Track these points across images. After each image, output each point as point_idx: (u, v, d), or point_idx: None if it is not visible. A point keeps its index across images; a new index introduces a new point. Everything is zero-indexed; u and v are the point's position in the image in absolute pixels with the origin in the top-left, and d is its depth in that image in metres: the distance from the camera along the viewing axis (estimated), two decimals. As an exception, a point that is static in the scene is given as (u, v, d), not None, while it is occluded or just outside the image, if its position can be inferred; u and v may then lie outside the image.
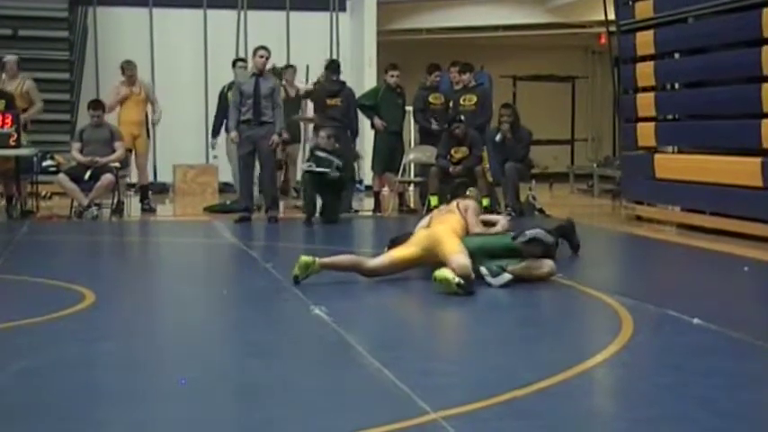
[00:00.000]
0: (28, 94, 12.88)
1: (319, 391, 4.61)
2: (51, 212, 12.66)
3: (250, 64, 12.63)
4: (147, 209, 13.38)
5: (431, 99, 13.33)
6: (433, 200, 12.30)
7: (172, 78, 14.68)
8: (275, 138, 11.76)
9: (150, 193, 13.98)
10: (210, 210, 13.32)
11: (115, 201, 12.51)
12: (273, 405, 4.39)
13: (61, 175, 12.42)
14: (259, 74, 11.78)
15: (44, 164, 13.63)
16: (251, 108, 11.66)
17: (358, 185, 16.61)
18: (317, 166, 11.66)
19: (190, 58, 16.99)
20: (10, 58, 13.05)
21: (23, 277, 7.31)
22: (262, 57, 11.84)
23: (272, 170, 12.02)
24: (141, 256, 10.33)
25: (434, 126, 13.12)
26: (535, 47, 21.09)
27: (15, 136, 11.89)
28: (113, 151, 12.43)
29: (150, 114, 13.79)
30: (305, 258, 7.25)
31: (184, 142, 14.89)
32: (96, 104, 12.88)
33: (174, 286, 7.63)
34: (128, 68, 13.54)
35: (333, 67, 13.38)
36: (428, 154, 12.99)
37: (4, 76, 12.97)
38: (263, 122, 11.71)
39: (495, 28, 19.77)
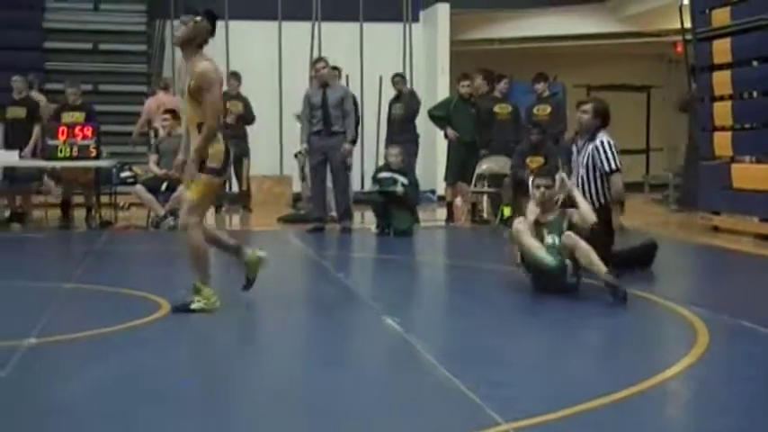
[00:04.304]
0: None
1: (389, 401, 4.63)
2: (129, 223, 12.87)
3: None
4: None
5: (496, 109, 13.28)
6: (506, 210, 12.27)
7: (247, 90, 14.80)
8: (347, 146, 11.84)
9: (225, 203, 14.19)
10: (284, 220, 13.43)
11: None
12: (343, 414, 4.41)
13: (138, 186, 12.63)
14: (325, 84, 11.88)
15: (122, 175, 13.86)
16: (321, 119, 11.76)
17: (430, 195, 16.62)
18: (381, 187, 11.73)
19: (265, 70, 17.16)
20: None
21: (101, 287, 7.44)
22: (323, 68, 11.96)
23: (345, 180, 12.09)
24: (215, 266, 10.39)
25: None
26: (609, 56, 20.91)
27: (95, 147, 12.12)
28: (189, 163, 12.57)
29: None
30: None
31: (260, 153, 15.03)
32: (168, 110, 13.12)
33: (247, 296, 7.68)
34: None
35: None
36: (501, 164, 12.95)
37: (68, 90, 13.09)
38: (333, 132, 11.79)
39: (569, 38, 19.64)
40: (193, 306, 6.62)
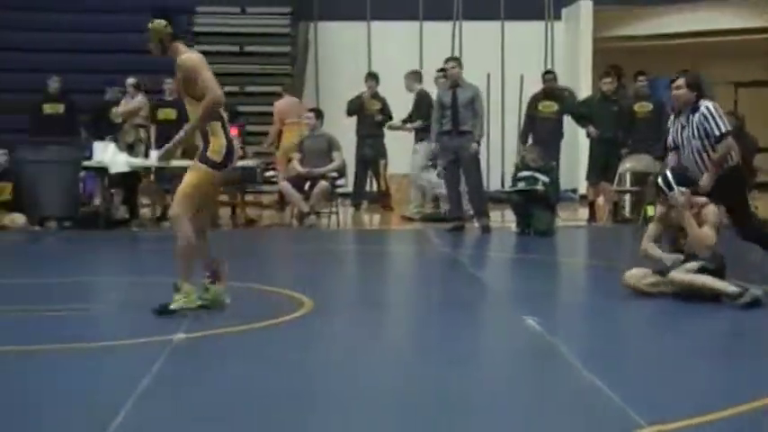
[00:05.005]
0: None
1: (531, 401, 4.62)
2: (272, 221, 13.13)
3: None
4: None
5: (636, 108, 13.00)
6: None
7: (388, 90, 14.92)
8: (474, 146, 11.83)
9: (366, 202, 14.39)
10: (424, 219, 13.49)
11: (333, 209, 12.88)
12: (480, 415, 4.41)
13: (284, 183, 12.91)
14: (455, 85, 11.90)
15: (266, 174, 14.15)
16: (450, 119, 11.80)
17: (571, 194, 16.45)
18: (522, 185, 11.68)
19: (406, 70, 17.24)
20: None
21: (246, 284, 7.60)
22: (453, 68, 12.00)
23: (477, 179, 12.05)
24: (356, 264, 10.56)
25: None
26: (756, 51, 20.30)
27: (241, 147, 12.40)
28: (331, 161, 12.80)
29: None
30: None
31: (401, 152, 15.15)
32: (312, 109, 13.43)
33: (388, 294, 7.78)
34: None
35: None
36: (644, 163, 12.73)
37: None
38: (462, 132, 11.80)
39: (714, 33, 19.15)
40: (173, 306, 6.41)
